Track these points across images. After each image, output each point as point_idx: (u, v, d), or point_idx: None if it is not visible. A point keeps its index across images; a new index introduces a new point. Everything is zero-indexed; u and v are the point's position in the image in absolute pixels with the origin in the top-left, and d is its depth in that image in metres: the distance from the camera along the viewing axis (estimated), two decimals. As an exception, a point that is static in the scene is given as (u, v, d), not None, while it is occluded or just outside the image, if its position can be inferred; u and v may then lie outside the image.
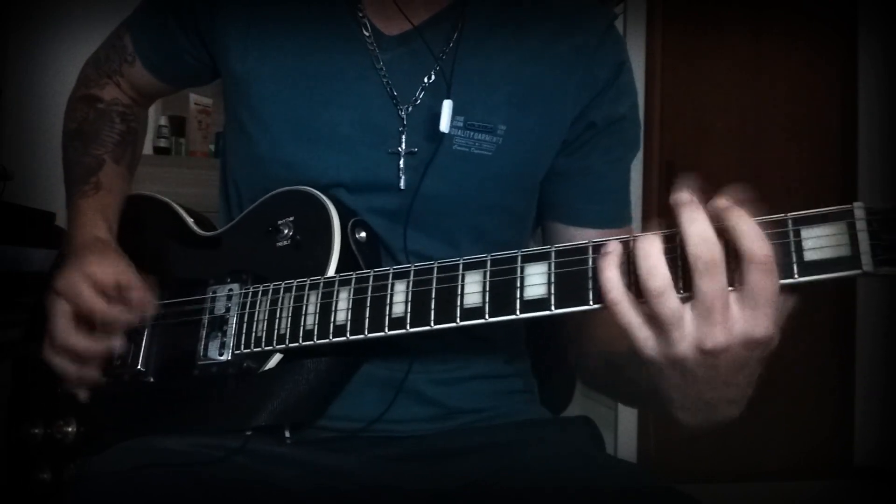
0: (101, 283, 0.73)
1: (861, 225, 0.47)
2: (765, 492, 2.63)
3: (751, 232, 0.47)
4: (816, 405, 2.77)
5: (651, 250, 0.49)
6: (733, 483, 2.62)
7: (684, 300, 0.50)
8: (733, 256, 0.49)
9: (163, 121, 3.04)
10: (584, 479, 0.66)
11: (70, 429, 0.80)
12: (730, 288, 0.49)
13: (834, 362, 2.78)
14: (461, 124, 0.75)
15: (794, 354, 2.64)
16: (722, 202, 0.49)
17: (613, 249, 0.52)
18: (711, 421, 0.56)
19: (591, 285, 0.55)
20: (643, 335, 0.51)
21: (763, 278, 0.47)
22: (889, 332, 2.74)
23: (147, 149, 2.85)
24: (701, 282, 0.48)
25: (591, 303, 0.54)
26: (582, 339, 0.78)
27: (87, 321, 0.73)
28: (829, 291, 2.68)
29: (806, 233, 0.48)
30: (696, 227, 0.48)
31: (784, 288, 0.49)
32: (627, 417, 2.78)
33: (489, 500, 0.67)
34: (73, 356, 0.73)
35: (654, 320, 0.50)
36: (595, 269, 0.53)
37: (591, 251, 0.55)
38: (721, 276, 0.48)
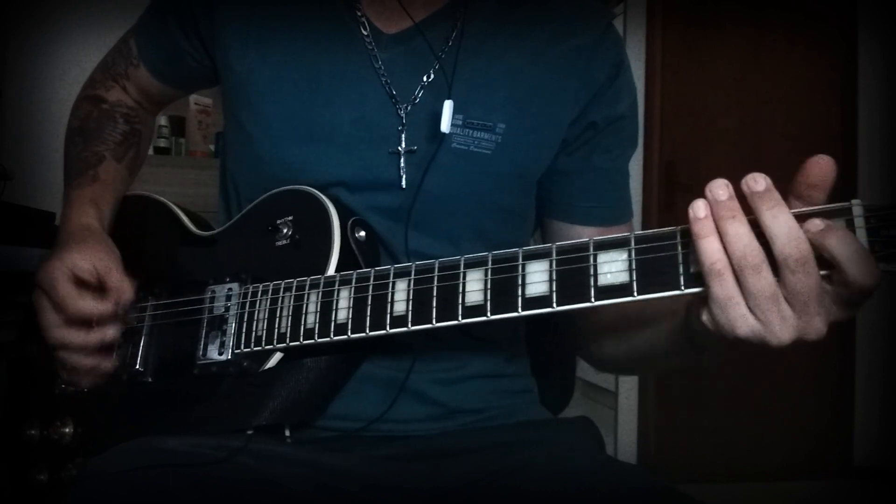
0: (79, 272, 0.72)
1: (859, 222, 0.47)
2: (765, 492, 2.63)
3: (858, 256, 0.46)
4: (816, 405, 2.77)
5: (741, 229, 0.49)
6: (733, 483, 2.62)
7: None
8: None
9: (163, 121, 3.04)
10: (583, 479, 0.66)
11: (67, 429, 0.80)
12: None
13: (834, 362, 2.78)
14: (460, 122, 0.75)
15: (794, 354, 2.63)
16: (816, 222, 0.47)
17: (706, 214, 0.50)
18: None
19: (592, 282, 0.55)
20: (741, 311, 0.50)
21: (866, 292, 0.48)
22: (889, 332, 2.74)
23: (147, 149, 2.84)
24: (794, 279, 0.48)
25: (592, 300, 0.55)
26: (595, 331, 0.79)
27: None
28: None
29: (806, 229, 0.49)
30: (781, 223, 0.48)
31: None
32: (627, 417, 2.78)
33: (489, 500, 0.67)
34: (69, 349, 0.73)
35: (751, 301, 0.49)
36: (693, 238, 0.50)
37: (591, 248, 0.56)
38: (814, 273, 0.48)
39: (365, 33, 0.78)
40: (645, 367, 0.75)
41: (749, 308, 0.50)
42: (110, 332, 0.73)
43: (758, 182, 0.48)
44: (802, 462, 2.72)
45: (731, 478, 2.63)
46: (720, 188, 0.49)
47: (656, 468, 2.61)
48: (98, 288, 0.73)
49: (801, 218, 0.49)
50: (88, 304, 0.72)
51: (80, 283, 0.72)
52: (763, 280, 0.48)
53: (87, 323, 0.72)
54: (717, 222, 0.49)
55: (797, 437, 2.73)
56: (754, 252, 0.48)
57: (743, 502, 2.57)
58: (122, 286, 0.73)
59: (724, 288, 0.50)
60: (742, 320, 0.50)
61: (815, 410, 2.77)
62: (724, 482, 2.60)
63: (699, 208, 0.50)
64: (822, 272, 0.48)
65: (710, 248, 0.50)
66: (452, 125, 0.74)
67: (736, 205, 0.49)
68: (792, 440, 2.73)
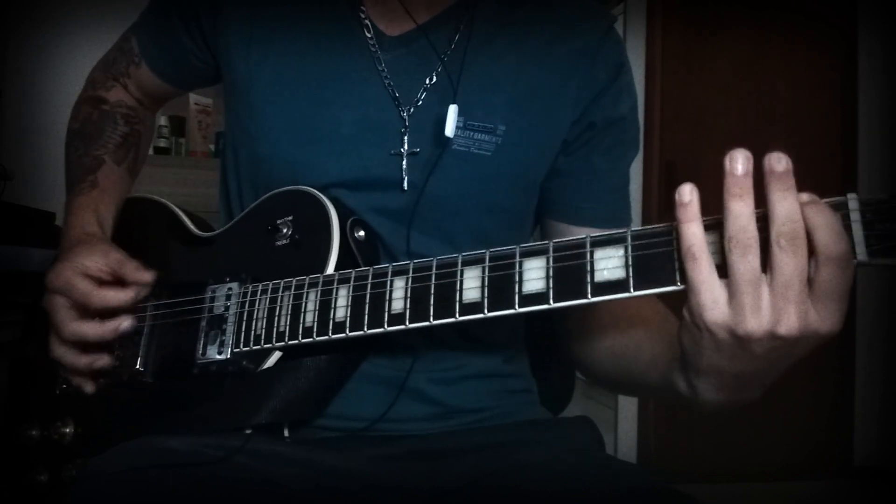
0: (89, 271, 0.73)
1: (855, 216, 0.47)
2: (765, 492, 2.63)
3: (829, 226, 0.47)
4: (816, 405, 2.77)
5: (744, 210, 0.48)
6: (733, 483, 2.62)
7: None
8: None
9: (163, 121, 3.04)
10: (583, 479, 0.66)
11: (67, 430, 0.80)
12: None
13: (834, 362, 2.77)
14: (461, 124, 0.75)
15: (794, 354, 2.63)
16: (802, 197, 0.48)
17: (691, 199, 0.50)
18: (734, 401, 0.56)
19: (589, 279, 0.55)
20: (713, 296, 0.50)
21: (839, 274, 0.47)
22: (889, 332, 2.74)
23: (147, 149, 2.84)
24: (782, 258, 0.47)
25: (589, 296, 0.55)
26: (584, 332, 0.78)
27: (87, 310, 0.73)
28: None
29: None
30: (788, 205, 0.47)
31: None
32: (627, 417, 2.78)
33: (489, 500, 0.67)
34: (82, 345, 0.73)
35: (732, 278, 0.49)
36: (676, 226, 0.51)
37: (588, 245, 0.56)
38: (802, 257, 0.47)
39: (368, 35, 0.78)
40: (633, 382, 0.74)
41: (727, 294, 0.49)
42: (125, 323, 0.74)
43: (780, 162, 0.48)
44: (802, 462, 2.72)
45: (731, 478, 2.63)
46: (739, 162, 0.49)
47: (656, 468, 2.61)
48: (111, 283, 0.74)
49: None
50: (112, 295, 0.73)
51: (95, 280, 0.73)
52: (748, 263, 0.48)
53: (102, 316, 0.73)
54: (725, 196, 0.49)
55: (797, 437, 2.73)
56: (748, 234, 0.48)
57: (743, 502, 2.57)
58: (140, 274, 0.75)
59: (699, 272, 0.50)
60: (713, 305, 0.50)
61: (815, 410, 2.76)
62: (724, 482, 2.60)
63: (685, 193, 0.50)
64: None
65: (688, 233, 0.50)
66: (454, 128, 0.74)
67: (747, 183, 0.48)
68: (792, 440, 2.72)
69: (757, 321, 0.49)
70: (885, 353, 2.75)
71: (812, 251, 0.47)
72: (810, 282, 0.48)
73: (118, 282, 0.75)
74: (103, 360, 0.75)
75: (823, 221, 0.47)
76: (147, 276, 0.76)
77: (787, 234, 0.47)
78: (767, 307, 0.49)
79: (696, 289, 0.50)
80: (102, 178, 0.86)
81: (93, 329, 0.73)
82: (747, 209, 0.48)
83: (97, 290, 0.73)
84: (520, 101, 0.77)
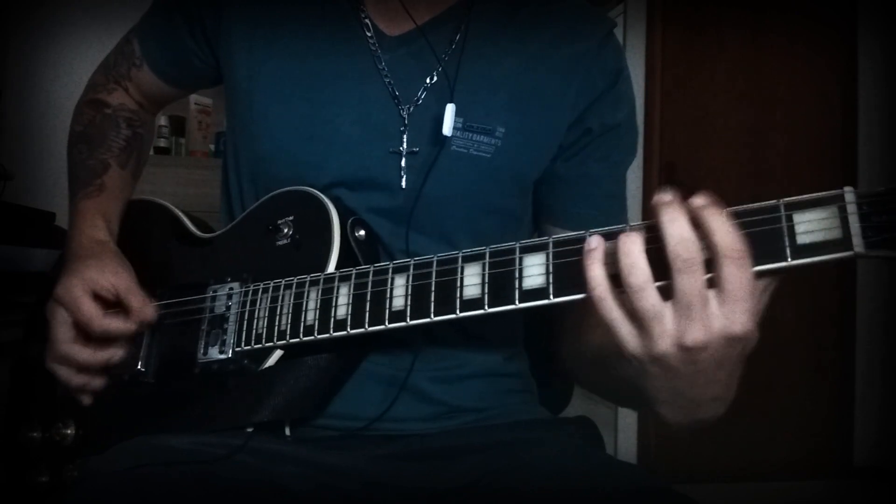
0: (99, 289, 0.73)
1: (852, 208, 0.48)
2: (765, 492, 2.63)
3: (722, 227, 0.49)
4: (816, 405, 2.77)
5: (632, 248, 0.51)
6: (733, 483, 2.62)
7: (666, 296, 0.51)
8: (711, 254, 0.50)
9: (163, 121, 3.04)
10: (583, 479, 0.66)
11: (69, 431, 0.80)
12: (709, 286, 0.50)
13: (833, 362, 2.77)
14: (460, 126, 0.75)
15: (794, 354, 2.63)
16: (697, 200, 0.51)
17: (597, 245, 0.53)
18: (696, 419, 0.57)
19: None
20: (625, 331, 0.53)
21: (736, 271, 0.49)
22: (889, 332, 2.74)
23: (147, 149, 2.84)
24: (679, 279, 0.49)
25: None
26: (572, 339, 0.78)
27: (86, 332, 0.73)
28: (828, 291, 2.68)
29: (798, 217, 0.49)
30: (676, 227, 0.50)
31: (777, 272, 0.50)
32: (627, 417, 2.78)
33: (489, 499, 0.67)
34: (74, 366, 0.74)
35: (636, 315, 0.51)
36: (581, 265, 0.54)
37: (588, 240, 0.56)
38: (698, 274, 0.49)
39: (369, 35, 0.78)
40: (619, 399, 0.75)
41: (632, 325, 0.52)
42: (118, 354, 0.75)
43: (666, 195, 0.52)
44: (802, 462, 2.72)
45: (731, 478, 2.63)
46: (665, 195, 0.52)
47: (656, 468, 2.61)
48: (114, 304, 0.74)
49: (794, 205, 0.50)
50: (114, 324, 0.73)
51: (99, 300, 0.73)
52: (648, 301, 0.50)
53: (99, 342, 0.73)
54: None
55: (797, 437, 2.73)
56: (690, 249, 0.50)
57: (743, 502, 2.57)
58: (146, 309, 0.75)
59: (608, 311, 0.53)
60: (630, 338, 0.52)
61: (815, 410, 2.76)
62: (724, 482, 2.60)
63: (592, 241, 0.54)
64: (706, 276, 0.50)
65: (590, 275, 0.53)
66: (453, 128, 0.74)
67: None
68: (792, 440, 2.73)
69: (664, 342, 0.51)
70: (885, 353, 2.75)
71: (710, 254, 0.49)
72: (714, 285, 0.50)
73: (120, 305, 0.75)
74: (97, 383, 0.75)
75: (717, 224, 0.49)
76: (151, 313, 0.75)
77: (682, 255, 0.49)
78: (672, 326, 0.50)
79: (610, 325, 0.53)
80: (109, 182, 0.86)
81: (84, 356, 0.73)
82: (637, 247, 0.51)
83: (100, 318, 0.72)
84: (519, 104, 0.77)
